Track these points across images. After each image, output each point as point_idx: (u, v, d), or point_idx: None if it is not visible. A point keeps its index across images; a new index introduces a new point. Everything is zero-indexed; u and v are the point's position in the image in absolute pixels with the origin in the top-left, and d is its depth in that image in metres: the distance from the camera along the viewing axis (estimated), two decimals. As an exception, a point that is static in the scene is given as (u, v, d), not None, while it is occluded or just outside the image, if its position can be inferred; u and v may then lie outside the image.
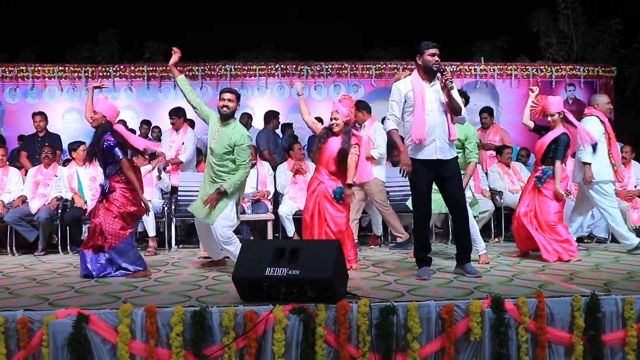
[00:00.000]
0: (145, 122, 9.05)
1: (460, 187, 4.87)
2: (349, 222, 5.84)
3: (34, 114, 7.99)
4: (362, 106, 6.47)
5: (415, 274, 4.77)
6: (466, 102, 5.51)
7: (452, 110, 4.66)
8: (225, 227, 5.05)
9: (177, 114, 7.83)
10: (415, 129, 4.62)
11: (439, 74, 4.61)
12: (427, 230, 5.02)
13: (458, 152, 5.24)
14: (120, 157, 5.00)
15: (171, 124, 7.91)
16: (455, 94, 4.67)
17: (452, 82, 4.56)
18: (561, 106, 5.74)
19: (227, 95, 5.10)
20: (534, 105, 5.88)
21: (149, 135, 8.98)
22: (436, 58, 4.60)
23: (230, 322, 3.50)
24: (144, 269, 5.07)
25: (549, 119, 5.72)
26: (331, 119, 5.30)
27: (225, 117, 5.11)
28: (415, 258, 4.91)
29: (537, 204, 5.71)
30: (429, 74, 4.66)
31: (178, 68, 5.32)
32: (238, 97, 5.19)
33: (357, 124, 6.33)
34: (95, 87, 5.35)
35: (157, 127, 9.12)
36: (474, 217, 5.63)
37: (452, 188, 4.77)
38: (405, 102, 4.70)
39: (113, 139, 5.01)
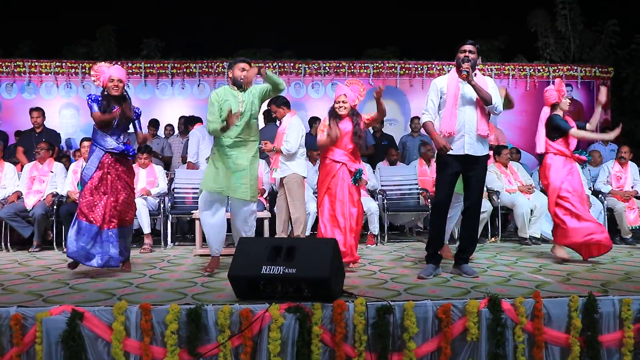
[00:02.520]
0: (152, 124, 9.08)
1: (481, 189, 4.86)
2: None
3: (32, 110, 7.97)
4: (282, 102, 6.30)
5: (413, 274, 4.76)
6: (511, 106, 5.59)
7: (483, 101, 4.64)
8: (254, 202, 5.06)
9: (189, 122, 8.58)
10: (445, 122, 4.67)
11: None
12: (443, 224, 4.96)
13: None
14: (140, 129, 5.14)
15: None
16: (485, 83, 4.66)
17: (466, 71, 4.52)
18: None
19: (246, 66, 4.99)
20: None
21: (157, 133, 9.05)
22: (466, 54, 4.62)
23: (225, 321, 3.47)
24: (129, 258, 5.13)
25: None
26: (337, 102, 5.18)
27: (242, 86, 5.02)
28: (426, 252, 4.90)
29: None
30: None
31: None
32: (251, 66, 5.07)
33: (277, 120, 6.29)
34: None
35: (169, 125, 9.30)
36: None
37: (474, 188, 4.78)
38: (441, 97, 4.75)
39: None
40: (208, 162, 5.12)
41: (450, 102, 4.68)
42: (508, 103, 5.45)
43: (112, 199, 4.91)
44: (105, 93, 4.97)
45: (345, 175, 5.12)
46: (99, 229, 4.85)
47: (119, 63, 10.11)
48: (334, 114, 5.20)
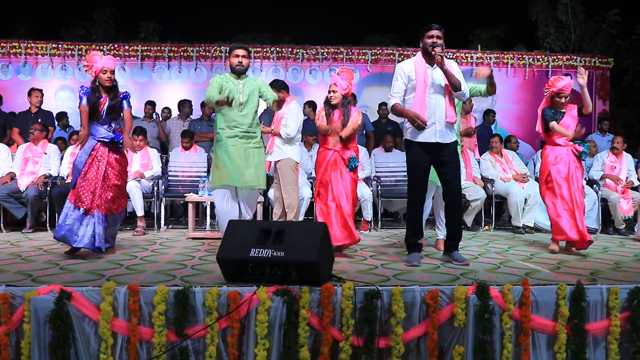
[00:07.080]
0: (150, 103, 9.08)
1: (458, 173, 4.79)
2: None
3: (33, 89, 8.02)
4: (282, 86, 6.17)
5: (404, 260, 4.75)
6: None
7: (452, 87, 4.60)
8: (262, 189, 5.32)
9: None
10: (416, 110, 4.58)
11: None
12: (421, 215, 4.94)
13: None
14: (129, 106, 5.16)
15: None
16: (451, 68, 4.62)
17: (440, 55, 4.49)
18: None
19: (240, 52, 5.10)
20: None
21: (153, 116, 9.01)
22: (434, 39, 4.56)
23: (213, 303, 3.48)
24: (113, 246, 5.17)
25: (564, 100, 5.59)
26: (329, 92, 5.29)
27: (240, 74, 5.13)
28: (405, 243, 4.86)
29: None
30: (429, 56, 4.62)
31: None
32: (249, 52, 5.24)
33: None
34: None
35: (167, 107, 9.31)
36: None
37: (450, 173, 4.72)
38: (408, 83, 4.68)
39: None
40: (212, 157, 5.24)
41: (420, 88, 4.60)
42: (490, 87, 5.39)
43: (100, 184, 4.91)
44: (97, 84, 4.98)
45: (338, 161, 5.22)
46: (85, 212, 4.86)
47: (116, 46, 10.12)
48: (328, 104, 5.34)
